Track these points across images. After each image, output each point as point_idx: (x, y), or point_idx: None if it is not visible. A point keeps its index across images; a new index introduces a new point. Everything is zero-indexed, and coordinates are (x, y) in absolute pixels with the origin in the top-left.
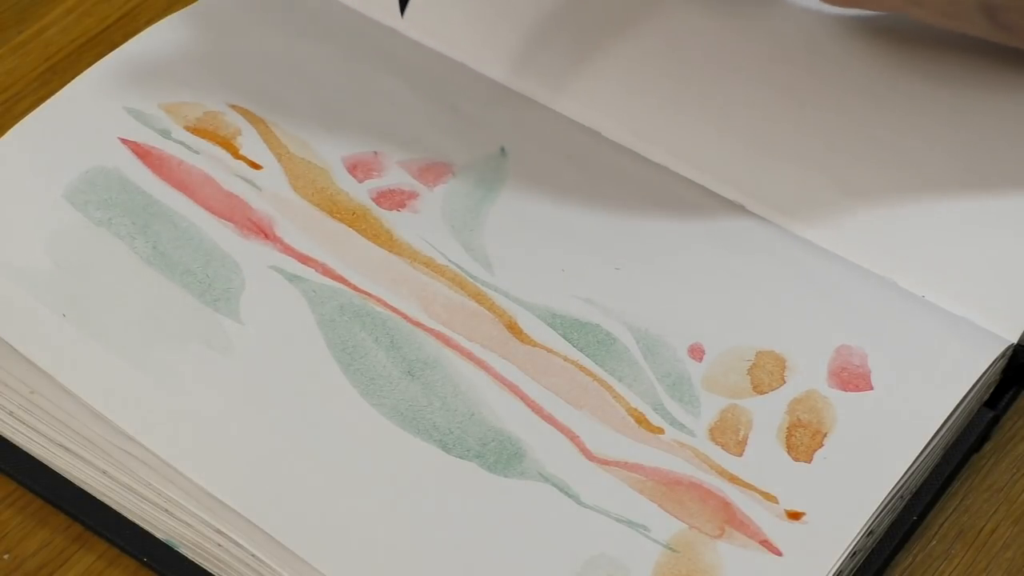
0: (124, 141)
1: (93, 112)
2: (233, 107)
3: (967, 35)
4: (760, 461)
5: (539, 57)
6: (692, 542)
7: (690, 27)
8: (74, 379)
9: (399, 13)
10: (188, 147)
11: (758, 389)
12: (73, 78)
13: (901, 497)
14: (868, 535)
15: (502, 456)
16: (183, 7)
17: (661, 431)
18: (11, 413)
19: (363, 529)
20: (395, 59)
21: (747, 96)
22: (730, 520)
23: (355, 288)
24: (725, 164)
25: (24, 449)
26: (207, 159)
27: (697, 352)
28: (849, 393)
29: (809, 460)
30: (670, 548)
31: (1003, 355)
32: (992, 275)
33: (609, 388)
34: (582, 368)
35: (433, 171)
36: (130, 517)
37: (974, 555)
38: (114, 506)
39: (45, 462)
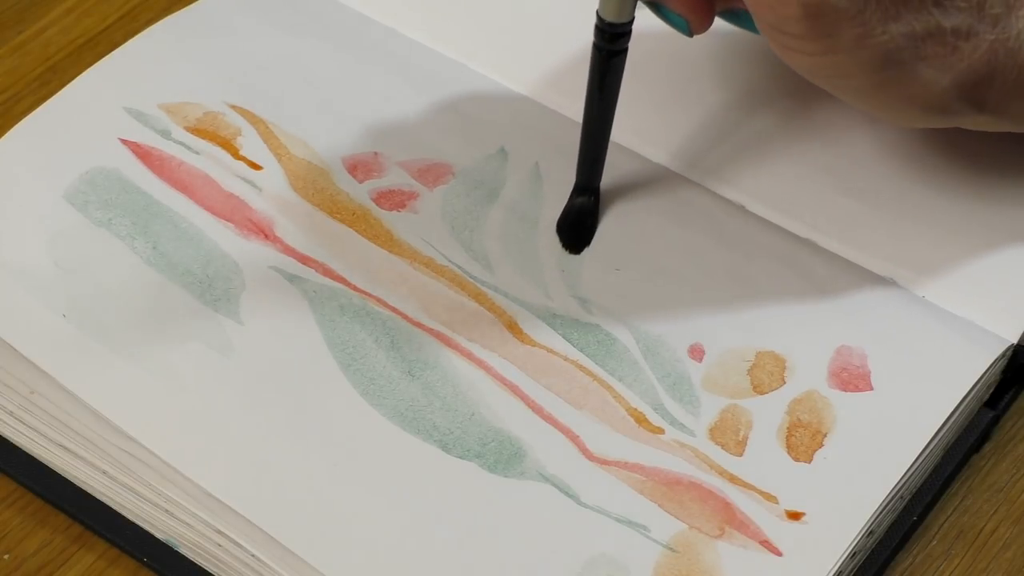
0: (124, 141)
1: (93, 112)
2: (233, 107)
3: None
4: (760, 461)
5: (539, 57)
6: (692, 542)
7: None
8: (74, 379)
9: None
10: (188, 147)
11: (758, 389)
12: (73, 78)
13: (901, 497)
14: (868, 535)
15: (502, 456)
16: (183, 7)
17: (661, 431)
18: (11, 413)
19: (363, 529)
20: (395, 59)
21: (748, 96)
22: (730, 520)
23: (355, 288)
24: (725, 164)
25: (24, 449)
26: (207, 159)
27: (697, 352)
28: (849, 393)
29: (809, 460)
30: (670, 548)
31: (1003, 355)
32: (992, 275)
33: (609, 388)
34: (582, 368)
35: (433, 171)
36: (130, 517)
37: (974, 555)
38: (114, 506)
39: (45, 462)
